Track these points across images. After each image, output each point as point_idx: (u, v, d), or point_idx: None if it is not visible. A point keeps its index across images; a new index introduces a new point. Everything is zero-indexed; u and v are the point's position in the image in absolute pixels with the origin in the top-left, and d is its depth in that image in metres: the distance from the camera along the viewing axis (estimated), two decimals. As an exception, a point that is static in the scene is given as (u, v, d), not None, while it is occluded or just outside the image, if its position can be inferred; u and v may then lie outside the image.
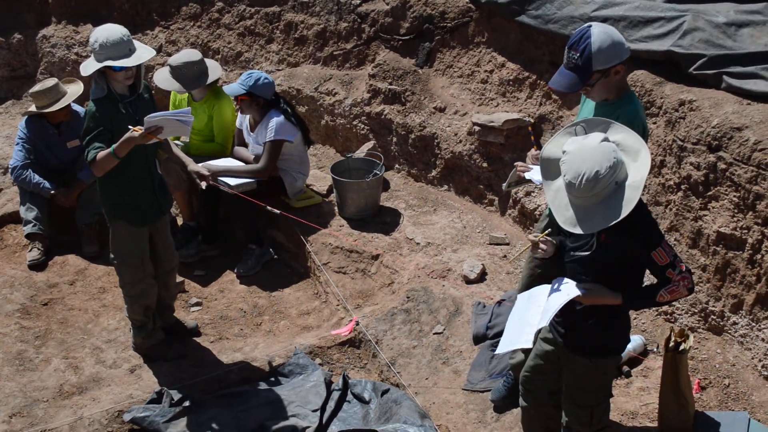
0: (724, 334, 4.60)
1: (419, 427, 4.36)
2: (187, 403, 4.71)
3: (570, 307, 3.37)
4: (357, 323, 5.34)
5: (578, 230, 3.05)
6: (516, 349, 4.25)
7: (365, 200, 6.27)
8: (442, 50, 6.71)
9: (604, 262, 3.25)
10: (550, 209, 3.95)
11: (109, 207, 4.71)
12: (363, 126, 7.09)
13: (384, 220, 6.31)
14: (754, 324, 4.38)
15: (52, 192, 6.36)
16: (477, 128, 6.23)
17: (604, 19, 5.21)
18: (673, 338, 3.86)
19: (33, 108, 6.37)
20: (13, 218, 6.65)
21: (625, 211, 2.97)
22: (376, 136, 7.02)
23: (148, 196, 4.74)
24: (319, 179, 6.83)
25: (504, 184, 4.32)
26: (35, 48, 8.83)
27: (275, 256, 6.40)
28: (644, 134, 3.52)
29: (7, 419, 4.65)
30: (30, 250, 6.29)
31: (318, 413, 4.67)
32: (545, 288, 3.47)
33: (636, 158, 3.03)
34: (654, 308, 4.87)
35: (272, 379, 5.03)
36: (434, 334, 5.15)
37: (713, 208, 4.51)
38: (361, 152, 6.86)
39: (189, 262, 6.24)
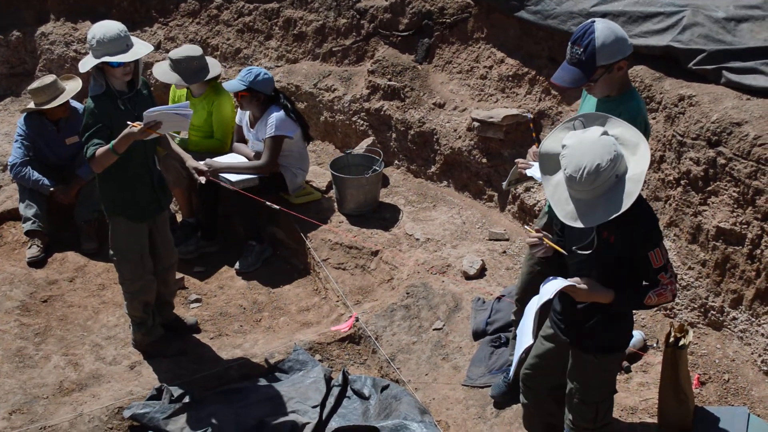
0: (723, 329, 4.60)
1: (419, 423, 4.35)
2: (186, 400, 4.72)
3: (573, 304, 3.37)
4: (357, 319, 5.34)
5: (579, 224, 3.05)
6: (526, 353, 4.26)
7: (365, 196, 6.27)
8: (441, 46, 6.71)
9: (604, 261, 3.24)
10: (549, 206, 3.96)
11: (108, 203, 4.71)
12: (362, 122, 7.09)
13: (383, 216, 6.31)
14: (753, 319, 4.38)
15: (51, 189, 6.36)
16: (476, 124, 6.23)
17: (603, 15, 5.21)
18: (672, 333, 3.85)
19: (32, 105, 6.37)
20: (13, 215, 6.66)
21: (626, 204, 2.96)
22: (376, 132, 7.02)
23: (147, 192, 4.74)
24: (319, 175, 6.82)
25: (504, 183, 4.30)
26: (34, 45, 8.83)
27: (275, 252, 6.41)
28: (646, 131, 3.51)
29: (7, 416, 4.65)
30: (29, 247, 6.29)
31: (318, 409, 4.67)
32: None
33: (635, 152, 3.03)
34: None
35: (272, 375, 5.04)
36: (434, 329, 5.15)
37: (713, 203, 4.51)
38: (361, 148, 6.86)
39: (188, 259, 6.24)
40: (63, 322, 5.59)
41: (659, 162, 4.92)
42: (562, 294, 3.44)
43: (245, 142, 6.37)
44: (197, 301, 5.87)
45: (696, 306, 4.71)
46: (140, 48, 4.41)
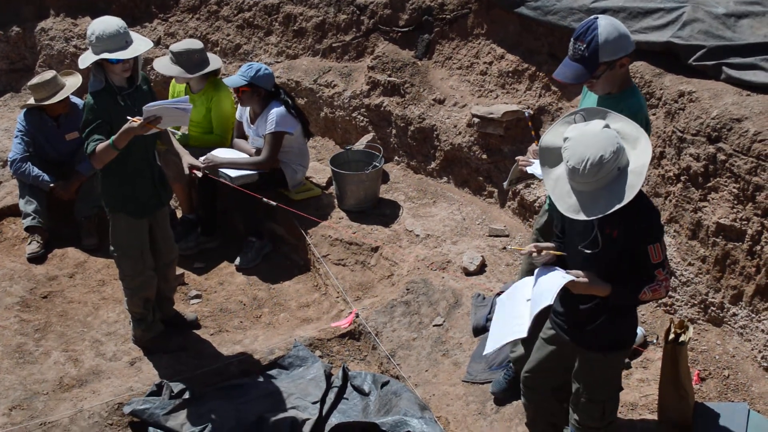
0: (723, 325, 4.60)
1: (419, 419, 4.36)
2: (186, 396, 4.72)
3: (576, 306, 3.37)
4: (357, 315, 5.34)
5: (582, 216, 3.04)
6: (517, 343, 4.26)
7: (365, 192, 6.27)
8: (441, 42, 6.70)
9: (609, 257, 3.23)
10: (549, 204, 3.95)
11: (108, 199, 4.71)
12: (362, 118, 7.08)
13: (383, 212, 6.31)
14: (753, 315, 4.38)
15: (51, 185, 6.36)
16: (476, 120, 6.22)
17: (603, 11, 5.21)
18: (672, 330, 3.85)
19: (32, 101, 6.36)
20: (13, 211, 6.65)
21: (629, 195, 2.96)
22: (376, 128, 7.02)
23: (147, 188, 4.74)
24: (319, 171, 6.82)
25: (505, 183, 4.28)
26: (34, 41, 8.82)
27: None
28: (647, 128, 3.51)
29: (7, 412, 4.65)
30: (29, 243, 6.29)
31: (318, 405, 4.67)
32: (527, 281, 3.46)
33: (635, 146, 3.04)
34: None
35: (272, 371, 5.04)
36: (434, 326, 5.15)
37: (713, 199, 4.51)
38: (361, 144, 6.86)
39: (188, 255, 6.24)
40: (63, 318, 5.60)
41: (659, 158, 4.92)
42: (562, 293, 3.44)
43: (246, 138, 6.37)
44: (197, 297, 5.88)
45: (696, 302, 4.71)
46: (139, 45, 4.41)
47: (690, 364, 4.18)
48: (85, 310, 5.68)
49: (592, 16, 3.42)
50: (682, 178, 4.68)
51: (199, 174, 5.37)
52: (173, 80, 6.52)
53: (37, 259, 6.21)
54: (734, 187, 4.37)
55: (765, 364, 4.32)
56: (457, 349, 4.96)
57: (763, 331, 4.33)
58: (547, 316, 3.64)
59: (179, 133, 6.46)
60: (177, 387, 4.76)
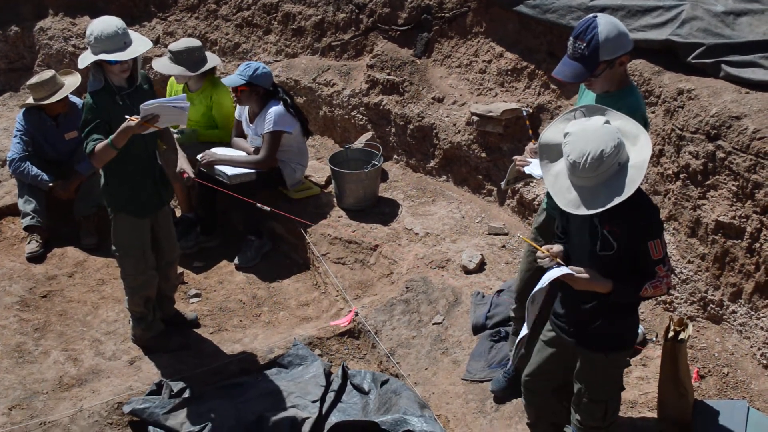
0: (723, 322, 4.60)
1: (419, 418, 4.36)
2: (186, 395, 4.72)
3: (577, 306, 3.37)
4: (356, 314, 5.34)
5: (582, 211, 3.04)
6: (522, 344, 4.26)
7: (364, 191, 6.26)
8: (440, 40, 6.70)
9: (608, 255, 3.23)
10: (547, 203, 3.95)
11: (110, 199, 4.71)
12: (361, 117, 7.08)
13: (383, 211, 6.31)
14: (753, 313, 4.38)
15: (51, 184, 6.35)
16: (475, 118, 6.22)
17: (602, 9, 5.21)
18: (672, 327, 3.86)
19: (31, 100, 6.36)
20: (12, 210, 6.65)
21: (629, 190, 2.97)
22: (375, 126, 7.01)
23: (148, 187, 4.74)
24: (318, 170, 6.82)
25: (503, 183, 4.26)
26: (32, 40, 8.81)
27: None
28: (645, 126, 3.50)
29: (6, 411, 4.65)
30: (28, 243, 6.28)
31: (317, 404, 4.67)
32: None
33: (635, 143, 3.05)
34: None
35: (271, 370, 5.04)
36: (433, 324, 5.15)
37: (712, 197, 4.51)
38: (360, 143, 6.85)
39: (188, 254, 6.24)
40: (62, 317, 5.59)
41: (658, 156, 4.92)
42: (563, 294, 3.45)
43: (244, 137, 6.37)
44: (197, 296, 5.88)
45: (695, 300, 4.71)
46: (138, 45, 4.41)
47: (689, 362, 4.18)
48: (84, 310, 5.68)
49: (591, 15, 3.42)
50: (681, 175, 4.68)
51: (188, 181, 5.28)
52: (171, 80, 6.52)
53: (36, 258, 6.20)
54: (733, 185, 4.37)
55: (764, 362, 4.32)
56: (457, 348, 4.96)
57: (762, 328, 4.33)
58: (548, 317, 3.64)
59: (176, 131, 6.45)
60: (177, 386, 4.76)
